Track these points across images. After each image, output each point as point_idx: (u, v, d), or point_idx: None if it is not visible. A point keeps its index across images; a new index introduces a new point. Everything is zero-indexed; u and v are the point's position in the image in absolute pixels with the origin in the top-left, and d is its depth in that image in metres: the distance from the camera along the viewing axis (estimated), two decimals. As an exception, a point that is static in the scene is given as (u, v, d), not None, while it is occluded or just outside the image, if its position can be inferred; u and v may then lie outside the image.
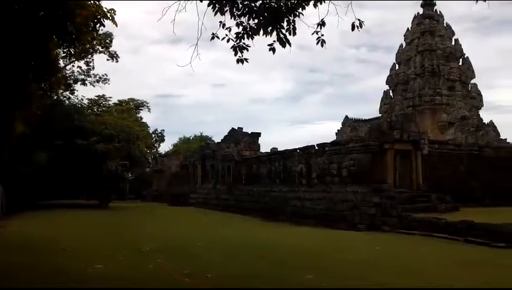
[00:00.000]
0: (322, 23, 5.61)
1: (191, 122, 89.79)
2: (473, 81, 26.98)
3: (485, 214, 12.44)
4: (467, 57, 27.14)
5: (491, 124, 24.68)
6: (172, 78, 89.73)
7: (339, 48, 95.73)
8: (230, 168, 25.67)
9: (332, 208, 15.70)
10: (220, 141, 30.24)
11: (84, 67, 28.59)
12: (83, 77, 29.32)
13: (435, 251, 9.40)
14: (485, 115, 30.84)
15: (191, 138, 54.49)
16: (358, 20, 5.82)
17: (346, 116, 30.47)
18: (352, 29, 5.87)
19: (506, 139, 24.68)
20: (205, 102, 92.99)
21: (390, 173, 15.32)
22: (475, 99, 26.31)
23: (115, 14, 6.32)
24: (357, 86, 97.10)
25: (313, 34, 5.69)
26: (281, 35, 5.48)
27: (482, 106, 26.64)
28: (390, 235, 12.40)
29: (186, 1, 5.31)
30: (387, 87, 28.82)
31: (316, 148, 18.09)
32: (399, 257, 8.82)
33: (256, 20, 5.50)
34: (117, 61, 27.55)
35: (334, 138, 28.28)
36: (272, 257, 8.50)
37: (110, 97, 36.37)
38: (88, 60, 27.71)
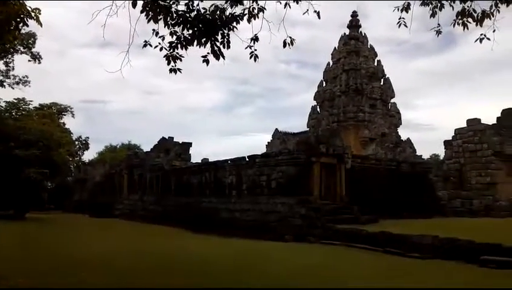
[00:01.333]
0: (255, 38, 5.76)
1: (119, 130, 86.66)
2: (393, 100, 28.95)
3: (402, 225, 13.28)
4: (388, 78, 29.11)
5: (408, 141, 26.60)
6: (100, 83, 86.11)
7: (271, 63, 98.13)
8: (159, 178, 25.07)
9: (261, 219, 15.93)
10: (149, 150, 29.49)
11: (3, 67, 26.67)
12: (1, 78, 27.26)
13: (350, 261, 9.84)
14: (403, 133, 33.29)
15: (118, 146, 52.53)
16: (290, 37, 6.07)
17: (276, 129, 31.21)
18: (284, 46, 6.10)
19: (421, 155, 26.77)
20: (135, 109, 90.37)
21: (316, 185, 15.92)
22: (394, 117, 28.23)
23: (39, 14, 5.98)
24: (287, 100, 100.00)
25: (246, 48, 5.82)
26: (215, 48, 5.53)
27: (401, 124, 28.64)
28: (314, 245, 12.79)
29: (118, 5, 5.19)
30: (315, 102, 30.01)
31: (247, 160, 18.31)
32: (318, 265, 9.11)
33: (190, 31, 5.51)
34: (39, 63, 26.00)
35: (264, 150, 28.82)
36: (183, 268, 8.48)
37: (31, 101, 34.18)
38: (8, 60, 25.91)
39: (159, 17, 5.33)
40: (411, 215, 16.89)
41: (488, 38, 6.35)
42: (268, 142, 31.01)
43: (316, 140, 16.43)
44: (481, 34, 6.35)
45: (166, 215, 22.18)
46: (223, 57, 5.55)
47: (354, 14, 30.51)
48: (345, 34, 29.91)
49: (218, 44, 5.50)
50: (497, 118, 23.44)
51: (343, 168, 16.68)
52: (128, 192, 28.99)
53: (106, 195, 31.84)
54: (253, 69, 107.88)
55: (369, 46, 29.78)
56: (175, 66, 5.62)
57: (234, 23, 5.59)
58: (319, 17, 5.90)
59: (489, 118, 25.27)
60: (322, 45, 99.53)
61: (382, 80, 28.97)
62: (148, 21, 5.37)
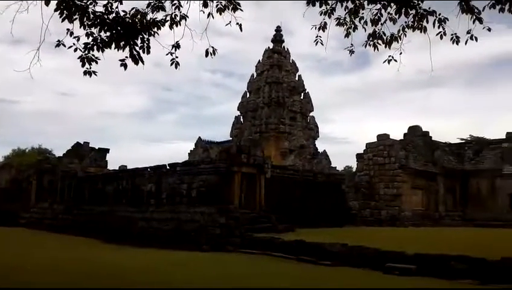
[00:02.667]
0: (177, 46, 5.73)
1: (29, 132, 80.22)
2: (311, 114, 30.28)
3: (316, 234, 13.81)
4: (308, 92, 30.43)
5: (324, 153, 27.91)
6: (8, 82, 79.31)
7: (196, 70, 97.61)
8: (72, 186, 23.60)
9: (180, 228, 15.64)
10: (62, 155, 27.71)
11: None
12: None
13: (262, 269, 9.99)
14: (320, 145, 34.86)
15: (27, 150, 48.63)
16: (212, 47, 6.14)
17: (200, 138, 31.03)
18: (206, 55, 6.15)
19: (336, 167, 28.22)
20: (47, 111, 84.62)
21: (236, 194, 16.05)
22: (313, 130, 29.53)
23: None
24: (211, 109, 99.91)
25: (167, 54, 5.77)
26: (134, 52, 5.41)
27: (318, 136, 30.02)
28: (231, 254, 12.83)
29: (28, 2, 4.88)
30: (238, 112, 30.40)
31: (168, 167, 17.93)
32: (226, 275, 9.16)
33: (108, 33, 5.34)
34: None
35: (187, 158, 28.46)
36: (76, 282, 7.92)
37: None
38: None
39: (74, 17, 5.10)
40: (325, 224, 17.63)
41: (395, 60, 6.93)
42: (190, 151, 30.72)
43: (238, 150, 16.59)
44: (389, 56, 6.93)
45: (77, 224, 20.82)
46: (142, 61, 5.44)
47: (278, 29, 31.57)
48: (269, 47, 30.80)
49: (137, 48, 5.39)
50: (404, 134, 25.55)
51: (263, 178, 17.02)
52: (36, 200, 26.88)
53: (12, 202, 29.25)
54: (177, 76, 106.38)
55: (291, 61, 30.94)
56: (90, 68, 5.40)
57: (155, 29, 5.53)
58: (241, 30, 6.04)
59: (397, 133, 27.35)
60: (247, 56, 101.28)
61: (302, 94, 30.21)
62: (63, 20, 5.11)
